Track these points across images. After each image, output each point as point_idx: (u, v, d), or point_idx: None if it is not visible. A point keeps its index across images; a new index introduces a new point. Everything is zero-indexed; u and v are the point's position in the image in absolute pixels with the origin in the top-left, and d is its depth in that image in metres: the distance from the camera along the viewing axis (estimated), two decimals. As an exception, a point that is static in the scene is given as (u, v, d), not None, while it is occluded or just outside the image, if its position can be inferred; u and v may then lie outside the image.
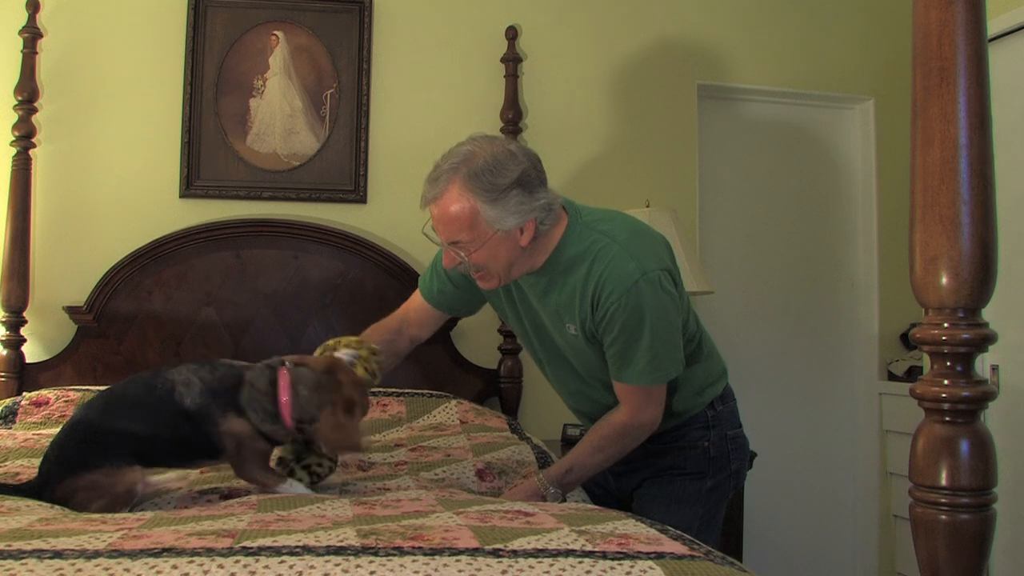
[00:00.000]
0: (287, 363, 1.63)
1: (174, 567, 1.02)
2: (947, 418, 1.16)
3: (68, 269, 2.95)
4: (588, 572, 1.07)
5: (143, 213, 3.00)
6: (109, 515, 1.40)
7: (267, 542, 1.11)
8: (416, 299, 2.03)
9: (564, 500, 1.83)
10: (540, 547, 1.15)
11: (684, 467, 1.92)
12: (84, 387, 2.66)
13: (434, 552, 1.10)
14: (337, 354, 1.78)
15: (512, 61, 3.17)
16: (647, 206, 2.99)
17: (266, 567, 1.03)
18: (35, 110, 2.88)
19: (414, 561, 1.06)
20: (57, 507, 1.56)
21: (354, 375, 1.70)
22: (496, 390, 3.09)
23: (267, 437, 1.61)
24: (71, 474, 1.56)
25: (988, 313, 1.19)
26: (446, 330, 3.04)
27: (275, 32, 3.12)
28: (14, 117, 2.85)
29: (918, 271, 1.18)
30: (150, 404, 1.59)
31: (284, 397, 1.58)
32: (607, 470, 2.01)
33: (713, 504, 1.93)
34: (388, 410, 2.65)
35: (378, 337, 1.96)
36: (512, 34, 3.19)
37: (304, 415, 1.59)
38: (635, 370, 1.74)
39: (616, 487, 2.04)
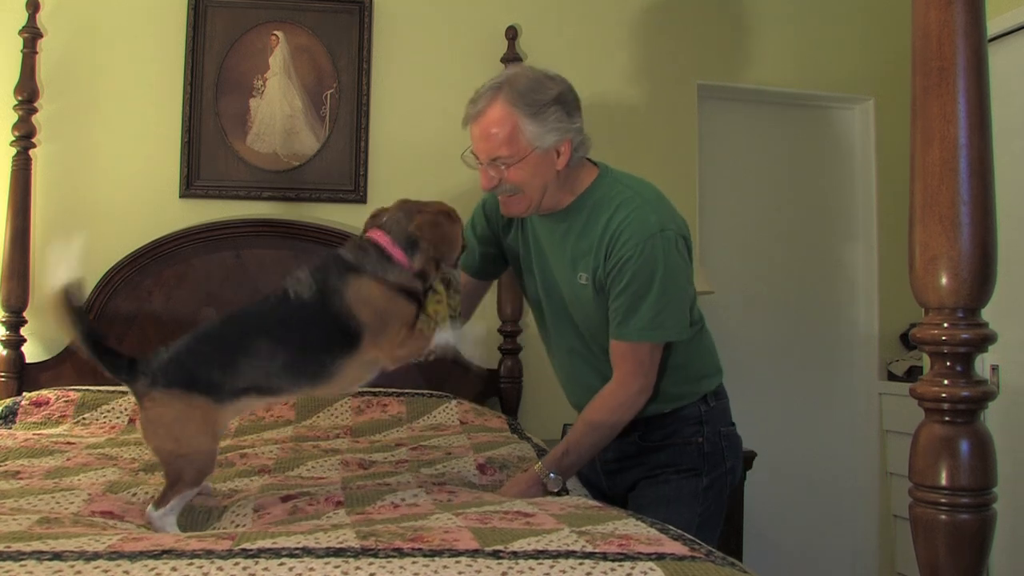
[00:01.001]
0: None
1: (173, 569, 1.02)
2: (947, 418, 1.16)
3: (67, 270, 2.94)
4: (588, 573, 1.07)
5: (143, 213, 3.00)
6: (112, 520, 1.40)
7: (267, 544, 1.11)
8: None
9: (564, 486, 1.82)
10: (540, 548, 1.14)
11: (679, 464, 1.91)
12: (84, 387, 2.65)
13: (434, 553, 1.09)
14: None
15: (512, 61, 3.17)
16: (647, 206, 2.99)
17: (265, 569, 1.03)
18: (35, 110, 2.88)
19: (414, 563, 1.06)
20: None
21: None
22: (496, 390, 3.09)
23: (403, 291, 1.55)
24: (187, 384, 1.46)
25: (988, 313, 1.19)
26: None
27: (275, 32, 3.12)
28: (14, 117, 2.85)
29: (918, 271, 1.18)
30: (269, 314, 1.54)
31: (381, 237, 1.56)
32: (600, 469, 2.00)
33: (711, 503, 1.92)
34: (388, 410, 2.65)
35: None
36: (512, 34, 3.19)
37: (409, 237, 1.56)
38: (638, 324, 1.74)
39: (608, 486, 2.03)
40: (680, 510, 1.87)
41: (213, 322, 1.60)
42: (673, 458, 1.92)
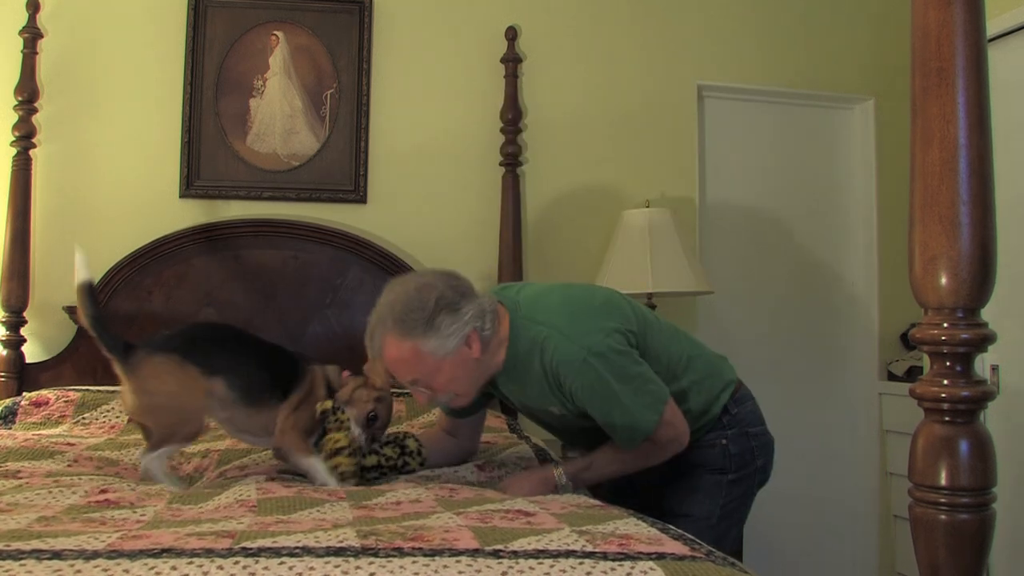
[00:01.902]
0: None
1: (173, 568, 1.02)
2: (947, 418, 1.16)
3: (68, 269, 2.90)
4: (589, 573, 1.07)
5: (143, 213, 3.00)
6: (110, 514, 1.40)
7: (266, 543, 1.11)
8: (441, 416, 2.12)
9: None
10: (541, 548, 1.15)
11: (707, 464, 1.97)
12: (84, 387, 2.65)
13: (434, 553, 1.10)
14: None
15: (512, 61, 3.17)
16: (647, 206, 2.99)
17: (265, 568, 1.03)
18: (35, 110, 2.88)
19: (414, 562, 1.06)
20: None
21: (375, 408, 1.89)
22: (496, 390, 3.08)
23: (329, 392, 1.87)
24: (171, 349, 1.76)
25: (988, 313, 1.19)
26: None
27: (275, 32, 3.12)
28: (14, 117, 2.85)
29: (918, 271, 1.18)
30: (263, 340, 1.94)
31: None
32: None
33: (736, 496, 1.97)
34: (388, 410, 2.64)
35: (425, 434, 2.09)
36: (512, 34, 3.19)
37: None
38: (626, 433, 1.79)
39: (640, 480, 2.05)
40: (703, 500, 1.93)
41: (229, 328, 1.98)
42: (701, 459, 1.97)
